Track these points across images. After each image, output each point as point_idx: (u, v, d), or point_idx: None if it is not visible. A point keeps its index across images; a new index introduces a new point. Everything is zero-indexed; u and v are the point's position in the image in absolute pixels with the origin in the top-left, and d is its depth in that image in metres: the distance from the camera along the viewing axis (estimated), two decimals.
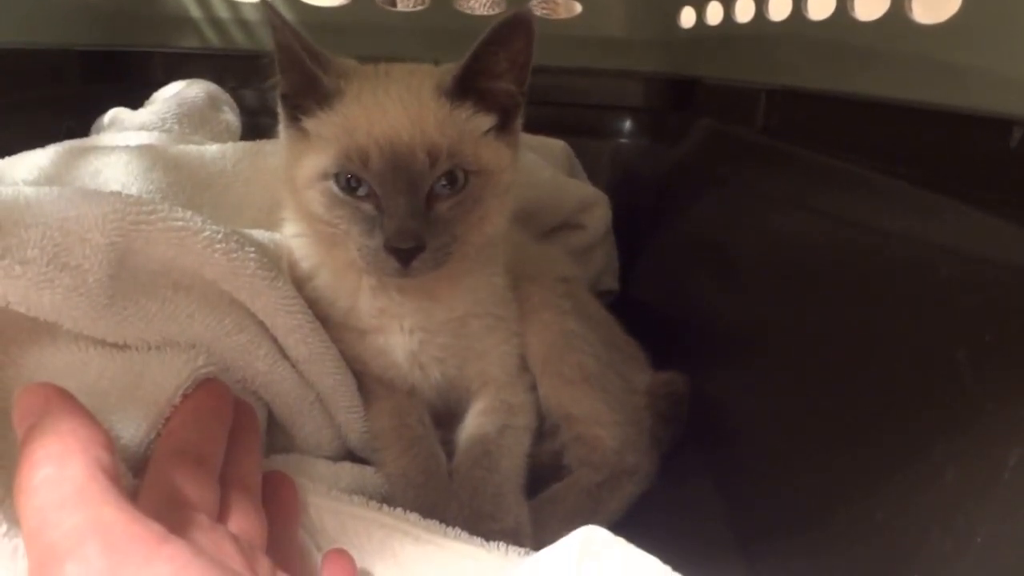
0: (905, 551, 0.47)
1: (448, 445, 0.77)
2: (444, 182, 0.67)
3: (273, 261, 0.61)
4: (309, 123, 0.69)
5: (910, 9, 0.70)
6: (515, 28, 0.67)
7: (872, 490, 0.52)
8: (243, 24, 1.44)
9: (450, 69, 0.69)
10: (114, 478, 0.40)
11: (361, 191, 0.67)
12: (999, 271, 0.48)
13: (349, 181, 0.67)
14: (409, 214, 0.65)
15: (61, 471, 0.39)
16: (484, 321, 0.78)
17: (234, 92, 1.28)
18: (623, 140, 1.44)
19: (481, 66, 0.68)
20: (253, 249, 0.59)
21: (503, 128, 0.72)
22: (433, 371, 0.78)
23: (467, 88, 0.68)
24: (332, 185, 0.68)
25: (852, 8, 0.79)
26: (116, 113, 1.06)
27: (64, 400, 0.43)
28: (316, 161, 0.68)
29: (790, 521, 0.63)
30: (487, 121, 0.70)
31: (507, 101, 0.71)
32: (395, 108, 0.67)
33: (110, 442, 0.42)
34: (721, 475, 0.77)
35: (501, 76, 0.69)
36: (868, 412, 0.57)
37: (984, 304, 0.48)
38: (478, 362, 0.79)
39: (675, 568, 0.44)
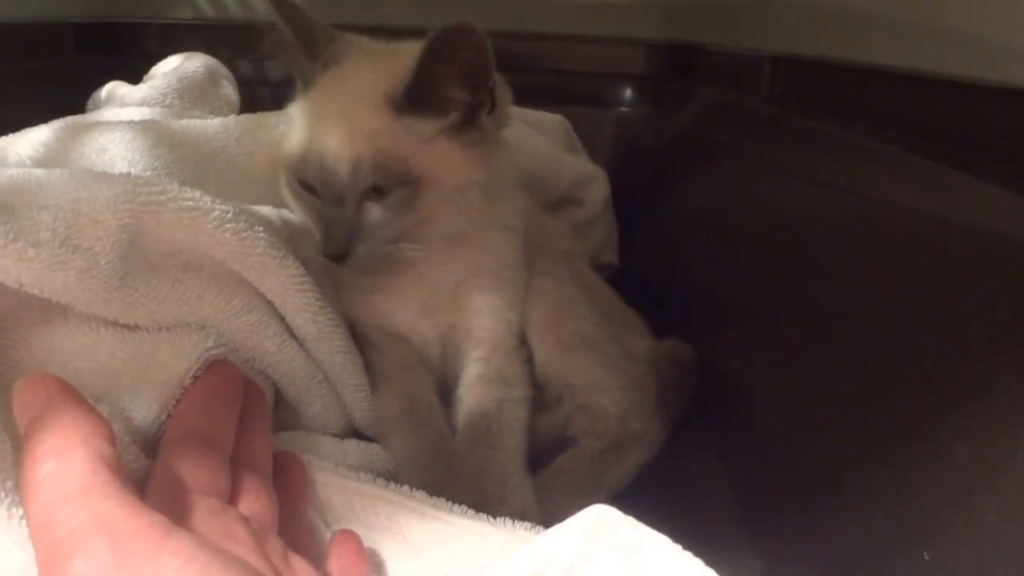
0: (914, 528, 0.48)
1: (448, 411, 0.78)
2: (374, 191, 0.70)
3: (282, 240, 0.61)
4: (291, 107, 0.75)
5: None
6: (455, 39, 0.65)
7: (880, 466, 0.53)
8: None
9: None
10: (116, 470, 0.40)
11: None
12: (1013, 246, 0.48)
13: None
14: (334, 224, 0.70)
15: (63, 465, 0.39)
16: (484, 279, 0.79)
17: (229, 63, 1.27)
18: (624, 109, 1.42)
19: (431, 76, 0.67)
20: (262, 228, 0.59)
21: (465, 127, 0.71)
22: (441, 318, 0.79)
23: (421, 93, 0.68)
24: (293, 179, 0.72)
25: None
26: (113, 87, 1.05)
27: (64, 391, 0.43)
28: (284, 152, 0.74)
29: (796, 497, 0.63)
30: (436, 124, 0.70)
31: (466, 105, 0.71)
32: (334, 117, 0.70)
33: (111, 432, 0.42)
34: (726, 450, 0.78)
35: (453, 84, 0.69)
36: (876, 387, 0.57)
37: (998, 280, 0.48)
38: (470, 318, 0.80)
39: (683, 546, 0.44)
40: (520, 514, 0.66)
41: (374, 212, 0.70)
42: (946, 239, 0.53)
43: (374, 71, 0.72)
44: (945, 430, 0.47)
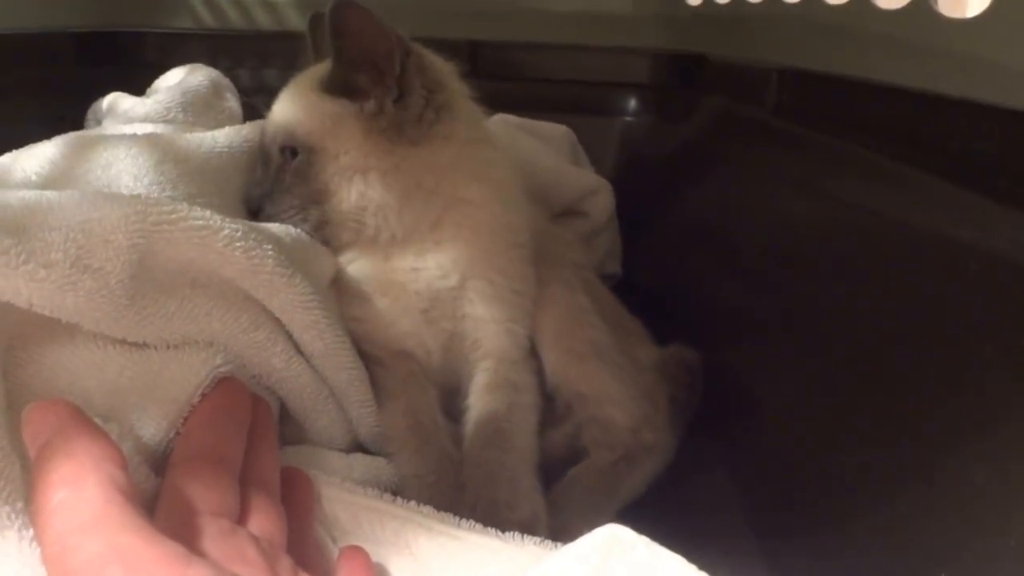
0: (934, 551, 0.47)
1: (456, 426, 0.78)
2: (288, 157, 0.79)
3: (290, 257, 0.61)
4: None
5: (935, 1, 0.70)
6: (340, 19, 0.72)
7: (898, 486, 0.52)
8: (238, 3, 1.43)
9: None
10: (130, 497, 0.39)
11: None
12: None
13: None
14: (257, 183, 0.81)
15: (77, 494, 0.38)
16: (483, 286, 0.79)
17: (229, 72, 1.26)
18: (628, 118, 1.42)
19: (341, 60, 0.76)
20: (271, 246, 0.59)
21: (379, 115, 0.76)
22: (444, 325, 0.79)
23: (340, 77, 0.77)
24: None
25: None
26: (115, 99, 1.04)
27: (74, 416, 0.43)
28: None
29: (811, 515, 0.63)
30: (346, 106, 0.77)
31: (381, 91, 0.76)
32: (280, 96, 0.83)
33: (123, 457, 0.42)
34: (737, 468, 0.77)
35: (362, 67, 0.75)
36: (890, 405, 0.57)
37: (1011, 302, 0.48)
38: (474, 331, 0.80)
39: (697, 565, 0.44)
40: (530, 520, 0.67)
41: (284, 176, 0.79)
42: (962, 261, 0.53)
43: (328, 63, 0.80)
44: (965, 451, 0.47)
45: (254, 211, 0.79)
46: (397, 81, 0.75)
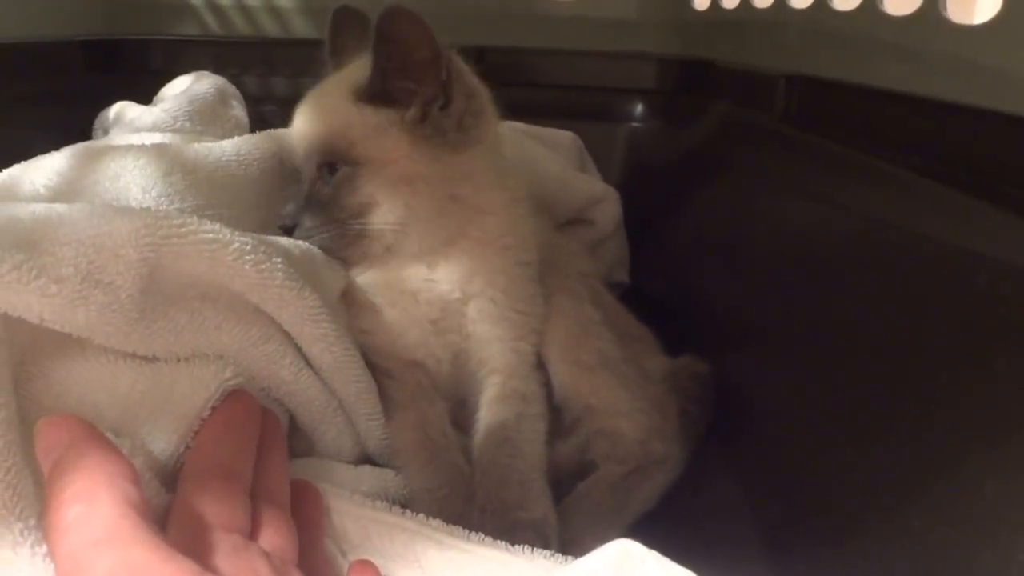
0: (944, 563, 0.47)
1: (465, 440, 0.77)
2: (325, 171, 0.77)
3: (299, 270, 0.61)
4: None
5: (944, 7, 0.70)
6: (391, 24, 0.70)
7: (907, 498, 0.52)
8: (244, 10, 1.43)
9: None
10: (143, 512, 0.40)
11: None
12: None
13: None
14: (291, 198, 0.79)
15: (90, 509, 0.38)
16: (482, 303, 0.79)
17: (235, 79, 1.27)
18: (635, 124, 1.41)
19: (382, 66, 0.74)
20: (280, 260, 0.59)
21: (422, 122, 0.75)
22: (453, 338, 0.79)
23: (380, 86, 0.74)
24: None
25: (881, 1, 0.79)
26: (122, 108, 1.05)
27: (87, 432, 0.43)
28: None
29: (820, 526, 0.62)
30: (389, 116, 0.75)
31: (424, 98, 0.74)
32: (307, 106, 0.80)
33: (135, 473, 0.42)
34: (745, 477, 0.76)
35: (407, 74, 0.74)
36: (900, 416, 0.56)
37: (1022, 315, 0.47)
38: (479, 350, 0.79)
39: None
40: (540, 521, 0.67)
41: (323, 189, 0.76)
42: (965, 269, 0.53)
43: (354, 70, 0.79)
44: (974, 463, 0.47)
45: (288, 228, 0.76)
46: (442, 87, 0.74)
